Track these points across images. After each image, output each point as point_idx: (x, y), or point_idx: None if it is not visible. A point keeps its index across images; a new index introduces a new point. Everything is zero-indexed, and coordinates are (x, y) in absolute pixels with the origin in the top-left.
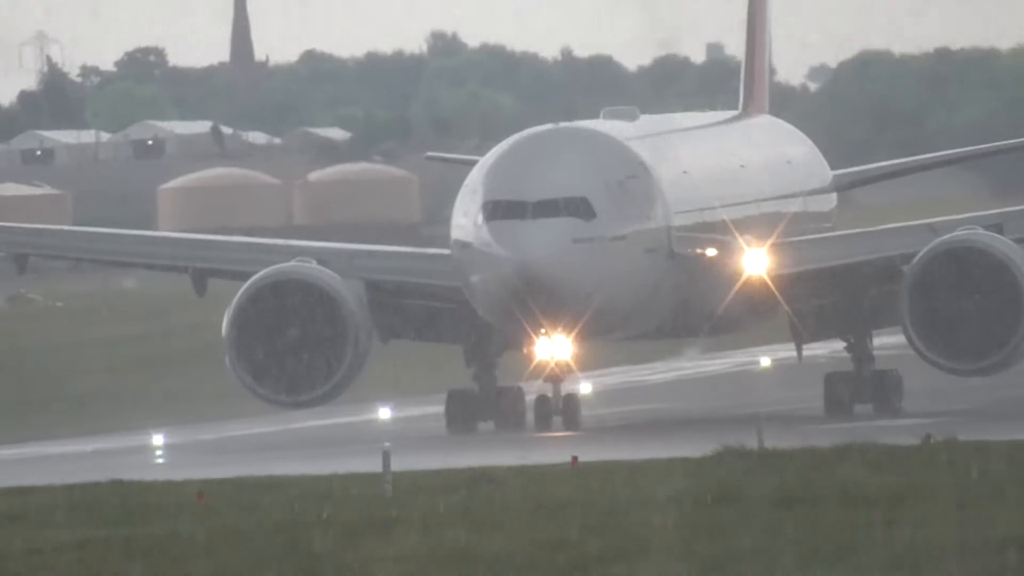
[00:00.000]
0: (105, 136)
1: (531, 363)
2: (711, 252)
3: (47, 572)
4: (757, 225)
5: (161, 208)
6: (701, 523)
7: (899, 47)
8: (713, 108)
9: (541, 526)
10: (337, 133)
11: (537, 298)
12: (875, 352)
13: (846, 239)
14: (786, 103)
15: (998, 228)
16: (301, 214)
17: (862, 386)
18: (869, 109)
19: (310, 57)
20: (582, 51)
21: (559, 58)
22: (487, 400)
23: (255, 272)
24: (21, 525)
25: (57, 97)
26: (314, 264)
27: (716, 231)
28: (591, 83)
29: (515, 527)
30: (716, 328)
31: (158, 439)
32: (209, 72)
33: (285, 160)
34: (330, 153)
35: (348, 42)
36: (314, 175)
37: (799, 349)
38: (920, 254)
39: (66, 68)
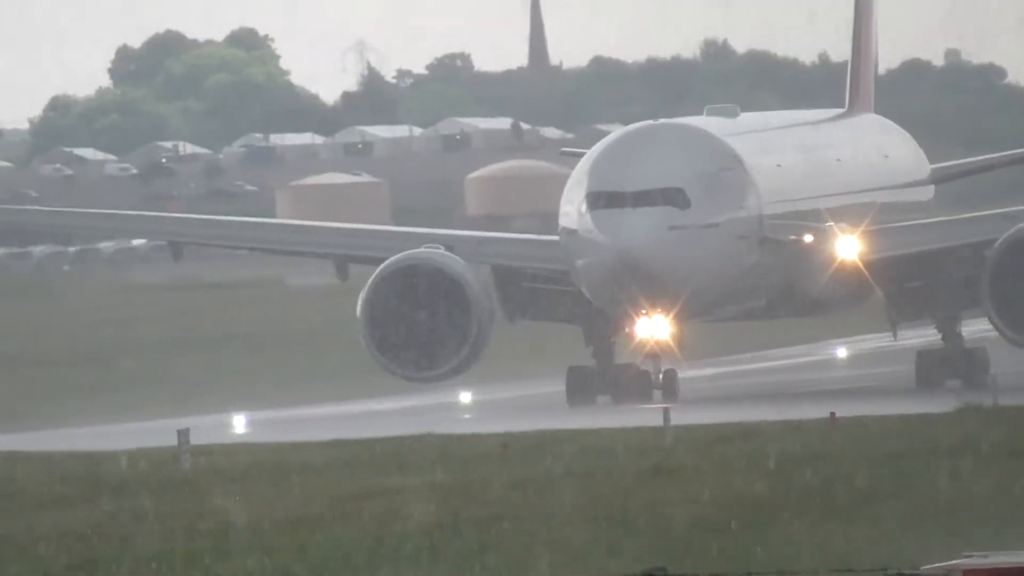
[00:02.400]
0: (417, 131)
1: (632, 342)
2: (803, 238)
3: (365, 513)
4: (850, 214)
5: (467, 195)
6: (946, 470)
7: None
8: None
9: (801, 474)
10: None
11: (636, 281)
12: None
13: (932, 227)
14: None
15: None
16: None
17: (951, 363)
18: None
19: (598, 62)
20: (837, 56)
21: (816, 62)
22: (605, 376)
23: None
24: (344, 472)
25: (375, 96)
26: (442, 250)
27: (808, 219)
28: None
29: (778, 475)
30: (811, 310)
31: (465, 396)
32: (509, 75)
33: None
34: None
35: (631, 48)
36: None
37: (894, 330)
38: (1000, 240)
39: (383, 71)
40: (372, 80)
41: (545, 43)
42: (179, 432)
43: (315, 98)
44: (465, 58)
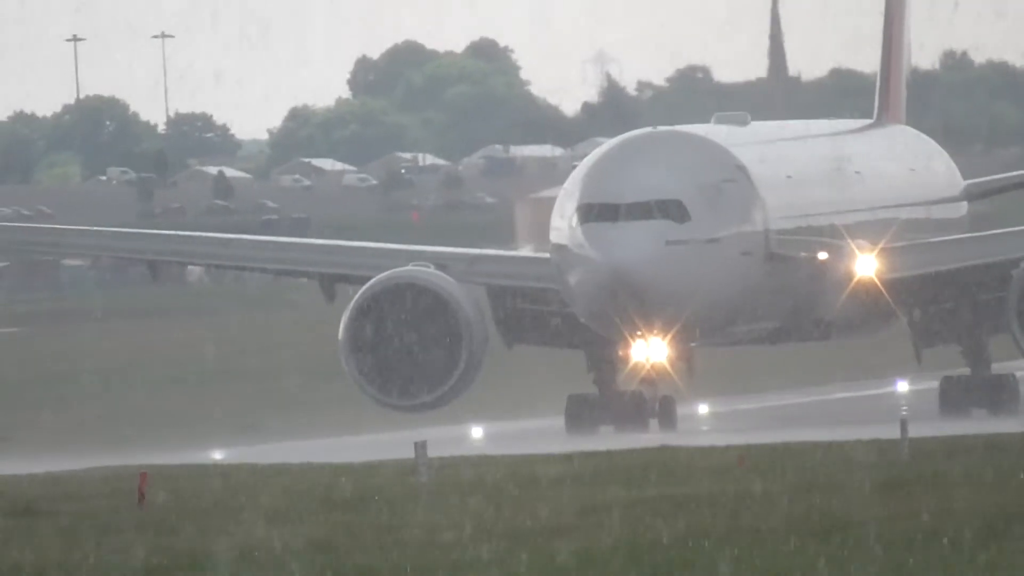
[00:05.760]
0: None
1: (627, 365)
2: (814, 255)
3: (597, 527)
4: (869, 230)
5: None
6: None
7: None
8: None
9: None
10: None
11: (630, 301)
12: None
13: (956, 244)
14: None
15: None
16: None
17: (977, 390)
18: None
19: (837, 73)
20: None
21: None
22: (607, 404)
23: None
24: (576, 485)
25: (615, 108)
26: (431, 268)
27: (822, 235)
28: None
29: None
30: (828, 334)
31: (703, 408)
32: (748, 85)
33: None
34: None
35: (870, 60)
36: None
37: (918, 354)
38: None
39: (623, 83)
40: (612, 91)
41: (784, 54)
42: (416, 444)
43: (555, 109)
44: (705, 69)
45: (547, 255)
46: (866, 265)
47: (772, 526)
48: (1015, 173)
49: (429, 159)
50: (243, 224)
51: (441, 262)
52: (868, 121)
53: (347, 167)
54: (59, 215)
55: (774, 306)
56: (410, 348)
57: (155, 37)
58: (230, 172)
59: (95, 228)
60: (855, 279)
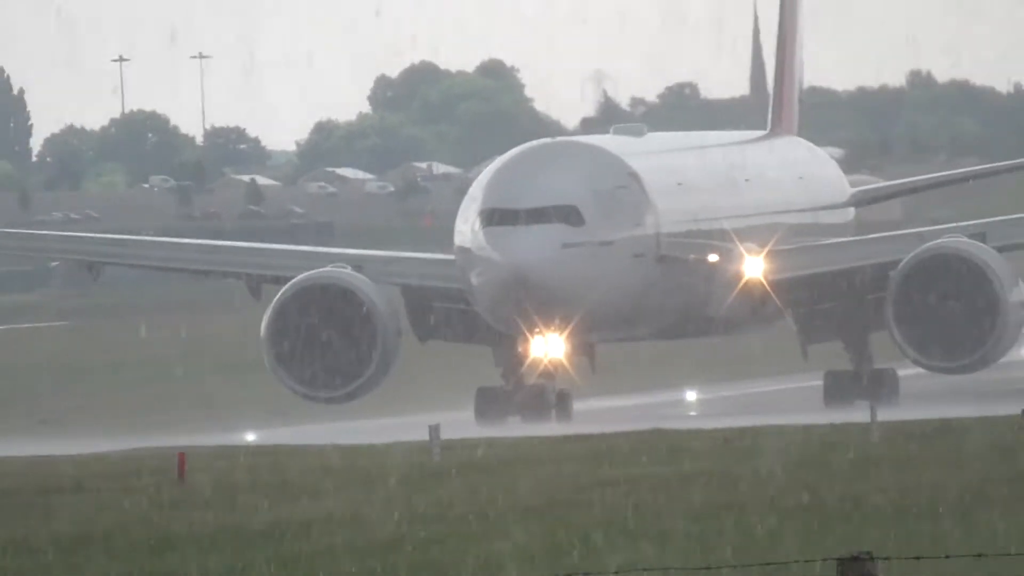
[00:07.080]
0: None
1: (526, 361)
2: (704, 256)
3: (603, 503)
4: (758, 233)
5: None
6: None
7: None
8: None
9: (991, 466)
10: (834, 151)
11: (529, 299)
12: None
13: (839, 246)
14: None
15: (981, 236)
16: None
17: (860, 384)
18: None
19: (812, 91)
20: None
21: (1012, 91)
22: (512, 396)
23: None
24: (587, 464)
25: (612, 122)
26: (348, 270)
27: (712, 238)
28: None
29: (973, 466)
30: (719, 330)
31: (691, 395)
32: (732, 102)
33: None
34: None
35: (841, 79)
36: None
37: (804, 350)
38: (905, 260)
39: (618, 99)
40: (608, 107)
41: (765, 73)
42: (430, 428)
43: (557, 123)
44: (693, 86)
45: (453, 257)
46: (754, 266)
47: (783, 499)
48: (900, 181)
49: (442, 168)
50: (273, 228)
51: (358, 263)
52: (762, 132)
53: (368, 176)
54: (105, 219)
55: (666, 305)
56: (327, 343)
57: (193, 57)
58: (261, 180)
59: (35, 232)
60: (743, 279)
